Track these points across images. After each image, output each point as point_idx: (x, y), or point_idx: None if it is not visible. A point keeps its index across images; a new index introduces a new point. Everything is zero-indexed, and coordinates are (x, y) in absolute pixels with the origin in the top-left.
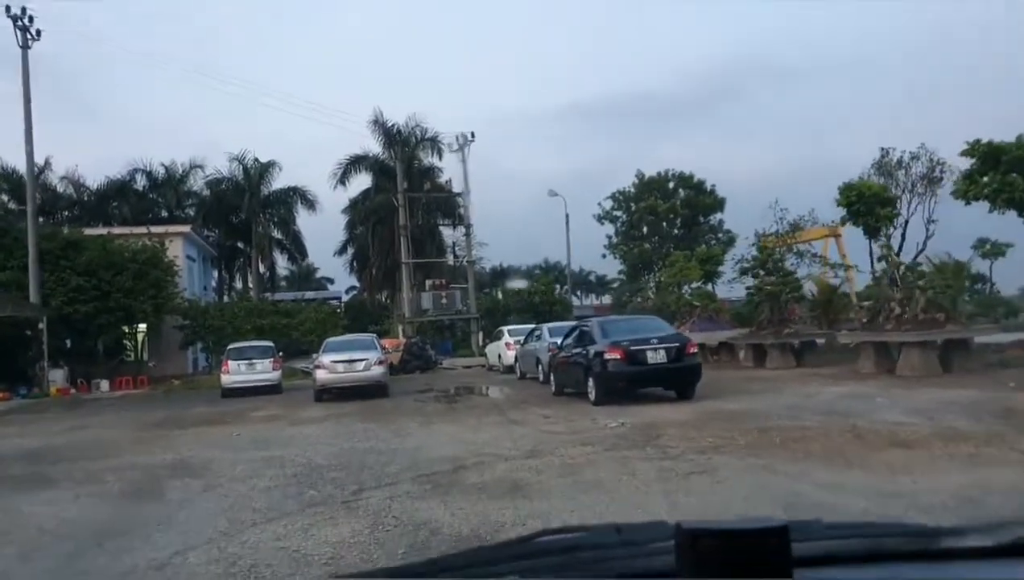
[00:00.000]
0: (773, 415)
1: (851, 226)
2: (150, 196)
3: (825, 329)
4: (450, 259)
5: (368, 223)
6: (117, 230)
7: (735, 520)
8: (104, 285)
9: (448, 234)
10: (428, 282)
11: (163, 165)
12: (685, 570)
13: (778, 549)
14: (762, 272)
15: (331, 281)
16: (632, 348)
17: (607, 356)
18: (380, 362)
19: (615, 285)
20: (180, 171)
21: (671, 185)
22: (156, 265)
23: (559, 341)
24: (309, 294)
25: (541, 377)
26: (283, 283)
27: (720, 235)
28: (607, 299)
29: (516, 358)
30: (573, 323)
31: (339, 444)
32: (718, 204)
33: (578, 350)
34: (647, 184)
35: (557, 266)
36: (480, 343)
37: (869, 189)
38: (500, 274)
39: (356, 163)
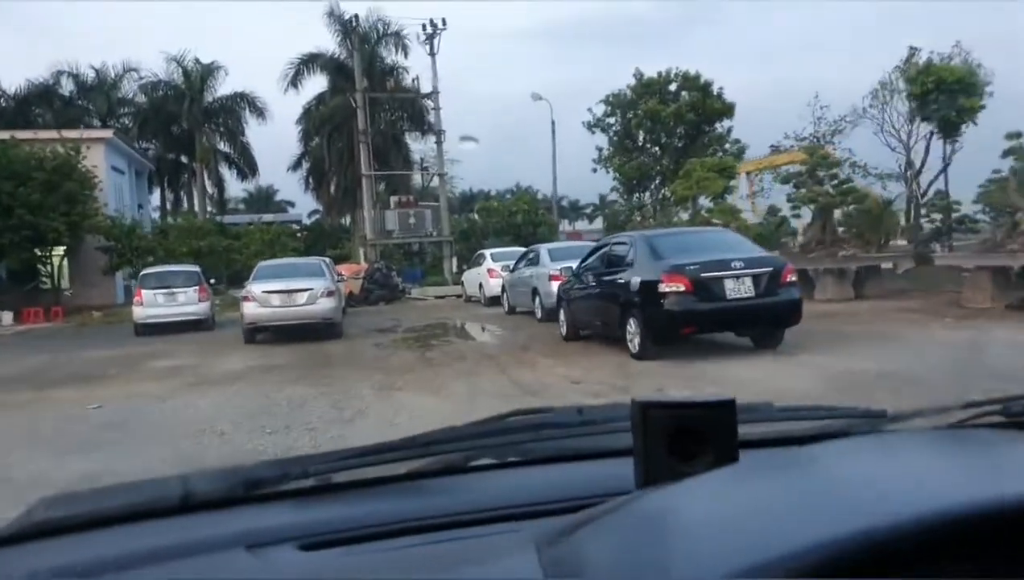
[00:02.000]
0: (938, 382)
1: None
2: (79, 102)
3: (874, 252)
4: (418, 177)
5: (324, 131)
6: (21, 134)
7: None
8: (5, 198)
9: (417, 149)
10: (393, 199)
11: (93, 68)
12: (637, 442)
13: (726, 421)
14: (810, 181)
15: (292, 204)
16: (703, 275)
17: (664, 287)
18: (329, 293)
19: (588, 210)
20: (113, 75)
21: (673, 87)
22: (69, 175)
23: (573, 266)
24: (267, 217)
25: (540, 313)
26: (241, 206)
27: (727, 145)
28: (595, 224)
29: (503, 288)
30: (589, 242)
31: (235, 438)
32: (728, 109)
33: (609, 279)
34: (646, 86)
35: (530, 190)
36: (454, 270)
37: (952, 74)
38: (470, 199)
39: (310, 62)
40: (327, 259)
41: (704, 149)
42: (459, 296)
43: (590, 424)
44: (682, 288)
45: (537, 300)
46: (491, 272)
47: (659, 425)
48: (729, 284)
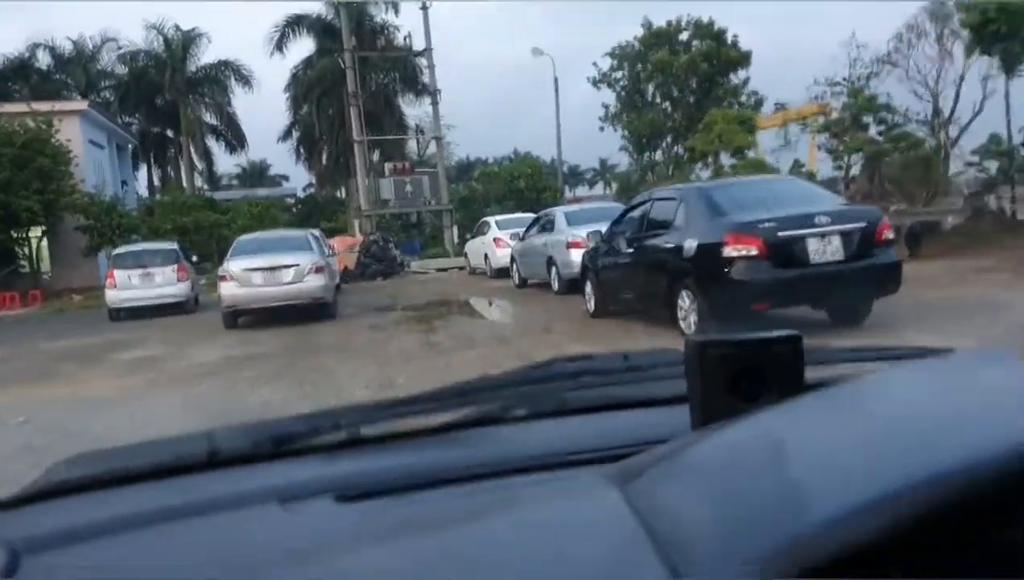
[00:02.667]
0: None
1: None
2: (57, 76)
3: (921, 207)
4: (414, 144)
5: (312, 97)
6: None
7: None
8: None
9: (412, 115)
10: (388, 166)
11: (70, 39)
12: (693, 383)
13: (790, 358)
14: (853, 128)
15: (286, 178)
16: (780, 235)
17: (730, 251)
18: (318, 269)
19: (588, 175)
20: (91, 46)
21: (684, 36)
22: (41, 151)
23: (601, 230)
24: (261, 192)
25: (557, 285)
26: (235, 182)
27: (743, 98)
28: (595, 189)
29: (513, 258)
30: (609, 204)
31: None
32: (743, 58)
33: (653, 243)
34: (655, 36)
35: (530, 156)
36: (455, 240)
37: None
38: (467, 167)
39: (295, 24)
40: (316, 231)
41: (719, 102)
42: (462, 268)
43: (635, 370)
44: (753, 251)
45: (553, 271)
46: (497, 241)
47: (717, 364)
48: (813, 244)
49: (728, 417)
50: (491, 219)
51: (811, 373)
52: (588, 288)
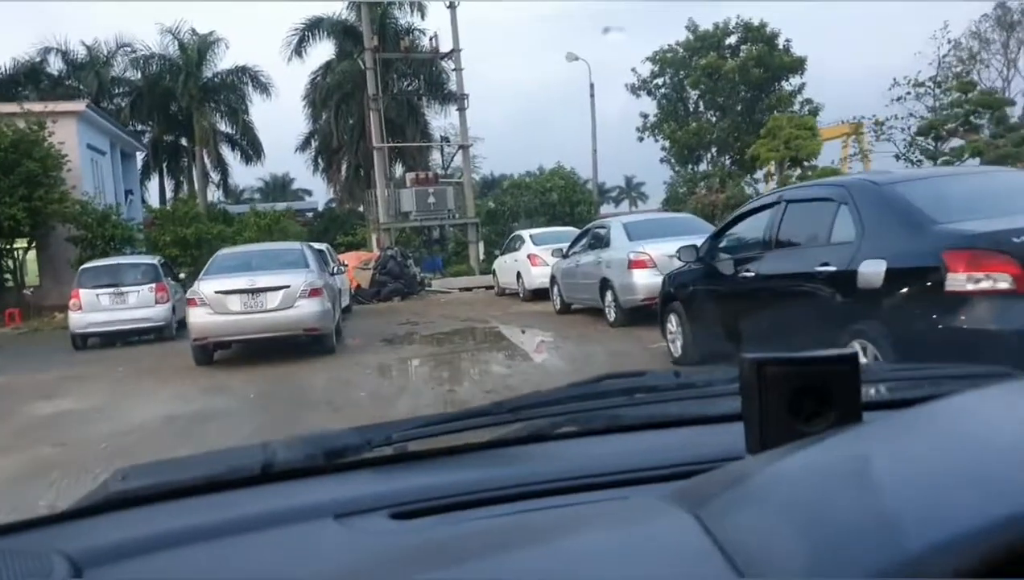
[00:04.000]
0: None
1: None
2: (67, 82)
3: None
4: (438, 156)
5: (331, 103)
6: None
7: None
8: None
9: (437, 127)
10: (410, 176)
11: (84, 44)
12: (750, 403)
13: (848, 377)
14: (961, 128)
15: (308, 192)
16: None
17: (960, 280)
18: (314, 291)
19: (614, 193)
20: (105, 52)
21: (732, 40)
22: (29, 153)
23: (698, 245)
24: (280, 205)
25: (613, 314)
26: (256, 195)
27: (796, 106)
28: (621, 206)
29: (553, 279)
30: (681, 215)
31: None
32: (798, 63)
33: (793, 264)
34: (701, 39)
35: (561, 168)
36: (480, 257)
37: None
38: (491, 184)
39: (314, 27)
40: (320, 244)
41: (770, 111)
42: (489, 288)
43: (688, 387)
44: (1004, 281)
45: (608, 296)
46: (533, 258)
47: (775, 383)
48: None
49: (786, 438)
50: (525, 233)
51: (867, 395)
52: (672, 324)
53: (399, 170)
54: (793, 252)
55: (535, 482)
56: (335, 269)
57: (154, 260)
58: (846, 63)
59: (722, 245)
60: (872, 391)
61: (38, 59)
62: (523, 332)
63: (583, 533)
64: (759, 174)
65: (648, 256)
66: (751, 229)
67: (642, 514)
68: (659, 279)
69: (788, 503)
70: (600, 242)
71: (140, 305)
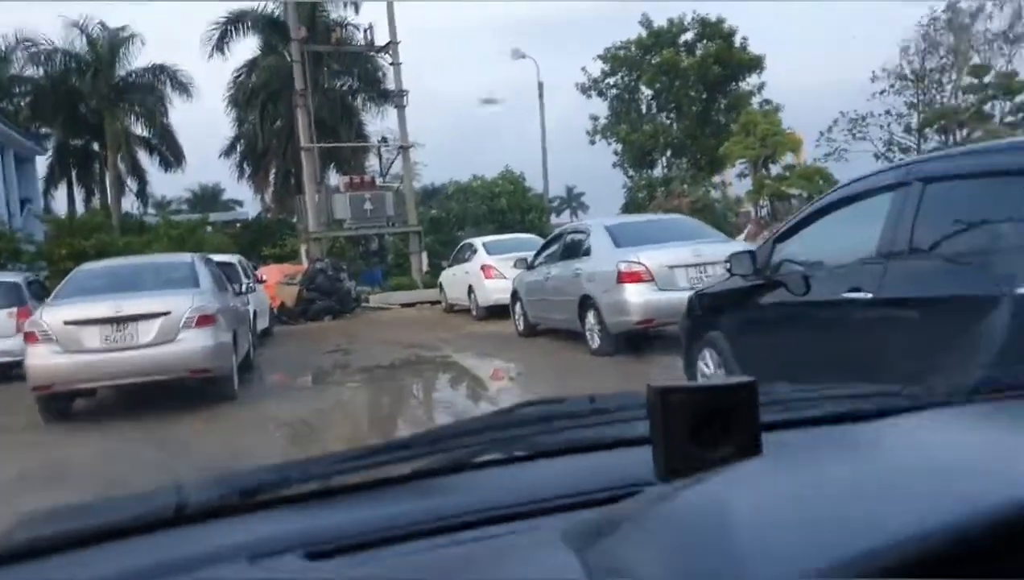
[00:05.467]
0: None
1: None
2: None
3: None
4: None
5: (256, 103)
6: None
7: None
8: None
9: (373, 130)
10: (343, 179)
11: None
12: (655, 429)
13: (746, 402)
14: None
15: (240, 203)
16: None
17: None
18: (204, 319)
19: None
20: (3, 47)
21: (689, 37)
22: None
23: (753, 251)
24: (212, 216)
25: (598, 340)
26: (184, 207)
27: (755, 107)
28: (562, 217)
29: (515, 295)
30: (677, 217)
31: None
32: (756, 61)
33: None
34: (655, 36)
35: (510, 172)
36: (424, 269)
37: None
38: (431, 194)
39: (238, 21)
40: (231, 257)
41: (728, 111)
42: (435, 303)
43: (602, 413)
44: None
45: (591, 318)
46: (487, 270)
47: (678, 410)
48: None
49: (689, 463)
50: (477, 241)
51: (767, 414)
52: (707, 362)
53: (333, 177)
54: (946, 263)
55: (452, 515)
56: (245, 287)
57: (17, 278)
58: (803, 63)
59: (797, 251)
60: (774, 412)
61: None
62: (504, 375)
63: (477, 572)
64: (726, 176)
65: (643, 267)
66: (853, 227)
67: (530, 553)
68: (659, 295)
69: (668, 541)
70: (577, 250)
71: None
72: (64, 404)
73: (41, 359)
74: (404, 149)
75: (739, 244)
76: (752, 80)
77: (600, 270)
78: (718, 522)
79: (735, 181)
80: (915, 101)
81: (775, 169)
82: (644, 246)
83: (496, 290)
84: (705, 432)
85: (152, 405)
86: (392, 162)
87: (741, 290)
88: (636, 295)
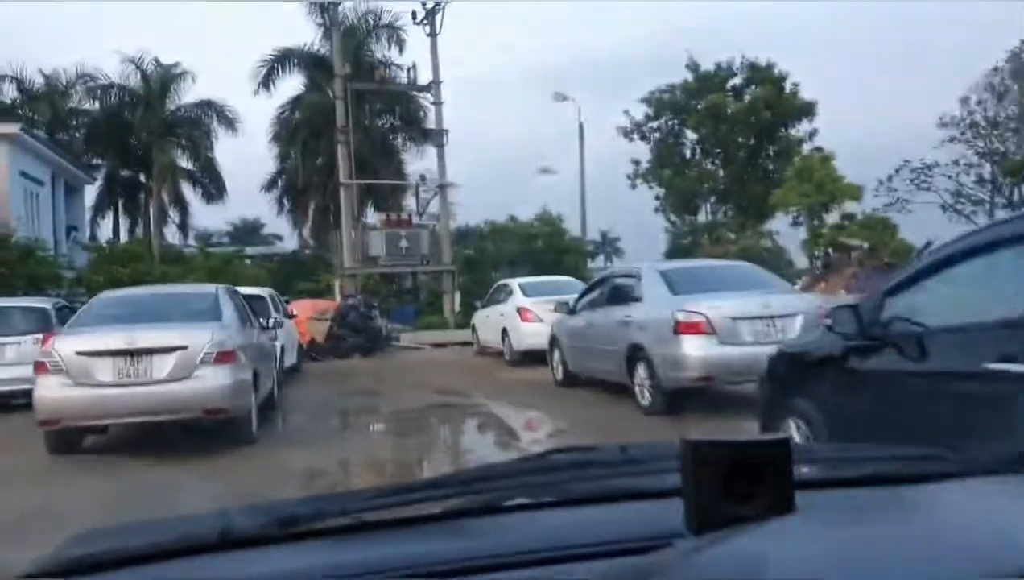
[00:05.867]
0: None
1: None
2: (19, 111)
3: None
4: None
5: (298, 139)
6: None
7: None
8: None
9: (413, 169)
10: (380, 216)
11: (42, 73)
12: (687, 482)
13: (780, 460)
14: None
15: (279, 237)
16: None
17: None
18: (225, 356)
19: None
20: (64, 81)
21: (737, 81)
22: None
23: (858, 307)
24: (250, 250)
25: (649, 396)
26: (226, 239)
27: (811, 151)
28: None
29: (555, 341)
30: (738, 263)
31: None
32: (808, 108)
33: None
34: (702, 79)
35: (547, 213)
36: (455, 308)
37: None
38: (465, 235)
39: (284, 58)
40: (262, 290)
41: (778, 158)
42: (466, 345)
43: (634, 463)
44: None
45: (641, 371)
46: (524, 313)
47: (710, 464)
48: None
49: (720, 517)
50: (513, 282)
51: (800, 471)
52: (793, 425)
53: (371, 216)
54: None
55: (482, 556)
56: (273, 322)
57: (46, 304)
58: (857, 111)
59: (915, 308)
60: (806, 471)
61: None
62: (547, 431)
63: None
64: (777, 223)
65: (703, 317)
66: (997, 282)
67: None
68: (720, 350)
69: None
70: (626, 295)
71: (19, 361)
72: (73, 440)
73: (50, 391)
74: (442, 188)
75: (811, 296)
76: (803, 126)
77: (653, 318)
78: (752, 575)
79: (786, 229)
80: (985, 150)
81: (829, 218)
82: (704, 294)
83: (532, 334)
84: (737, 487)
85: (164, 445)
86: (429, 202)
87: (839, 351)
88: (695, 348)
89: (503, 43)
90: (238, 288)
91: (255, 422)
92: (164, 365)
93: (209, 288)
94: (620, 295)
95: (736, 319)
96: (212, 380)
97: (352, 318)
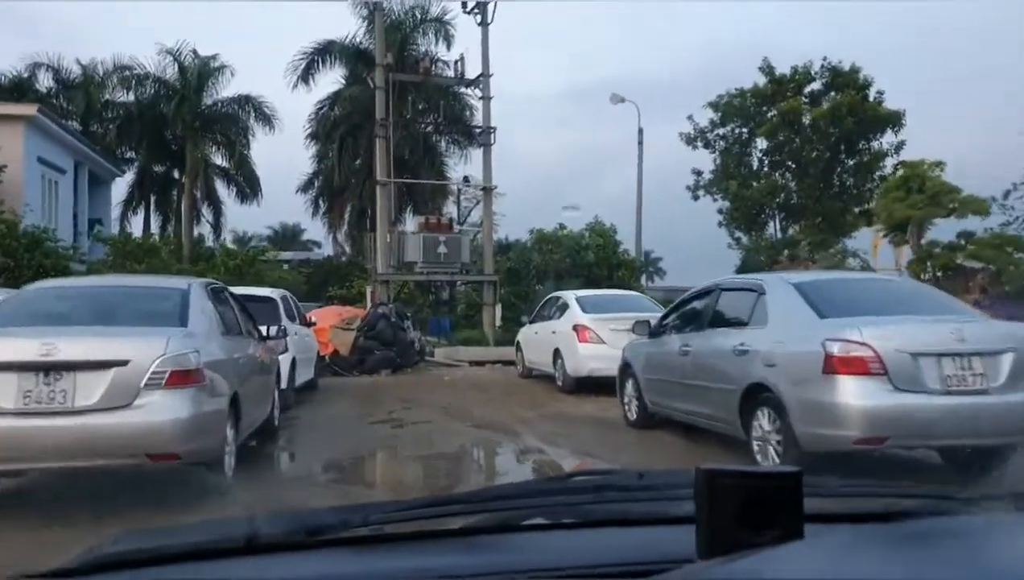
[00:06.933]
0: None
1: None
2: (55, 101)
3: None
4: (453, 210)
5: (336, 135)
6: None
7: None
8: None
9: (455, 174)
10: (418, 219)
11: (79, 63)
12: (701, 510)
13: (792, 490)
14: None
15: (318, 244)
16: None
17: None
18: (181, 377)
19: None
20: (101, 72)
21: (816, 87)
22: None
23: None
24: (286, 254)
25: (772, 458)
26: (264, 243)
27: (895, 165)
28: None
29: (627, 369)
30: (892, 277)
31: None
32: (894, 117)
33: None
34: (778, 84)
35: (599, 224)
36: (497, 322)
37: None
38: (505, 249)
39: (324, 52)
40: (274, 292)
41: (858, 172)
42: (508, 364)
43: (650, 489)
44: None
45: (763, 421)
46: (582, 332)
47: (724, 493)
48: None
49: (732, 545)
50: (569, 295)
51: (812, 504)
52: None
53: (409, 224)
54: None
55: (499, 572)
56: (280, 330)
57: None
58: (945, 124)
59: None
60: (817, 504)
61: (26, 75)
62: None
63: None
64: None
65: (870, 351)
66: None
67: None
68: (896, 400)
69: None
70: (742, 315)
71: None
72: None
73: None
74: (487, 191)
75: (1012, 325)
76: (886, 139)
77: (789, 350)
78: None
79: (875, 246)
80: None
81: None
82: (865, 318)
83: (592, 358)
84: (749, 516)
85: (96, 495)
86: (471, 210)
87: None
88: (858, 395)
89: (555, 50)
90: (248, 289)
91: (231, 463)
92: (93, 387)
93: (179, 282)
94: (731, 315)
95: (917, 356)
96: (162, 411)
97: (381, 328)
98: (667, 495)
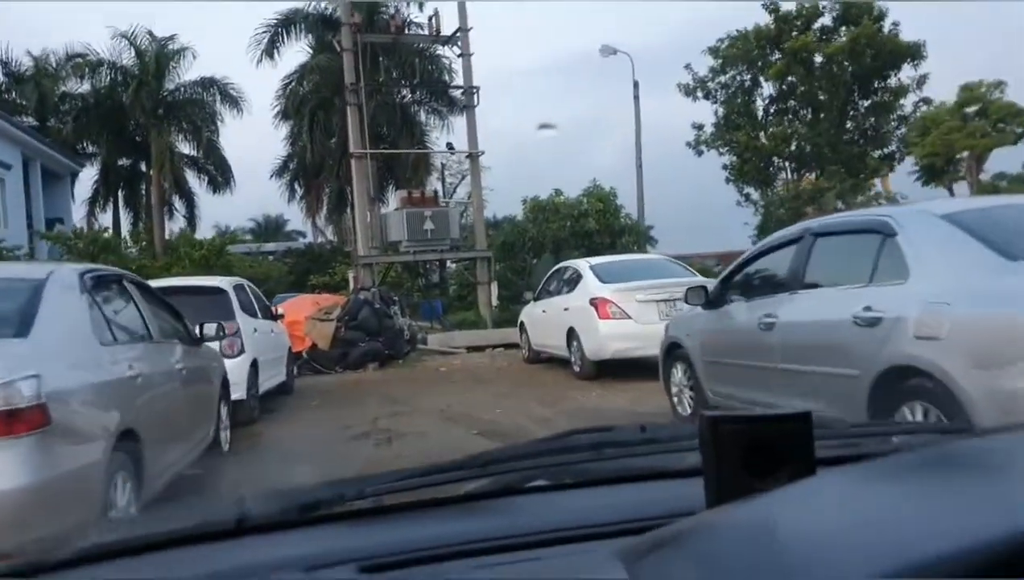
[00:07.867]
0: None
1: None
2: (5, 96)
3: None
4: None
5: (305, 111)
6: None
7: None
8: None
9: (439, 140)
10: (400, 194)
11: (30, 53)
12: (707, 459)
13: (801, 434)
14: None
15: (303, 234)
16: None
17: None
18: (13, 417)
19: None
20: (54, 63)
21: (826, 21)
22: None
23: None
24: (268, 246)
25: None
26: (248, 236)
27: (916, 103)
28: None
29: (673, 352)
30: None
31: None
32: (915, 50)
33: None
34: (783, 21)
35: (599, 188)
36: (493, 302)
37: None
38: (495, 226)
39: (290, 23)
40: (231, 280)
41: (876, 112)
42: (509, 347)
43: (653, 442)
44: None
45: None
46: (601, 306)
47: (730, 440)
48: None
49: (741, 493)
50: (582, 264)
51: (822, 447)
52: None
53: (392, 202)
54: None
55: (503, 536)
56: (218, 330)
57: None
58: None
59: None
60: (828, 446)
61: None
62: None
63: None
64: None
65: None
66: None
67: (586, 571)
68: None
69: (715, 562)
70: (858, 266)
71: None
72: None
73: None
74: (473, 157)
75: None
76: (904, 74)
77: (966, 315)
78: (772, 536)
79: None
80: None
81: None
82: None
83: (615, 337)
84: (757, 463)
85: None
86: (456, 186)
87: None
88: None
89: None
90: (189, 280)
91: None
92: None
93: (36, 272)
94: (841, 269)
95: None
96: None
97: (365, 316)
98: (671, 448)
